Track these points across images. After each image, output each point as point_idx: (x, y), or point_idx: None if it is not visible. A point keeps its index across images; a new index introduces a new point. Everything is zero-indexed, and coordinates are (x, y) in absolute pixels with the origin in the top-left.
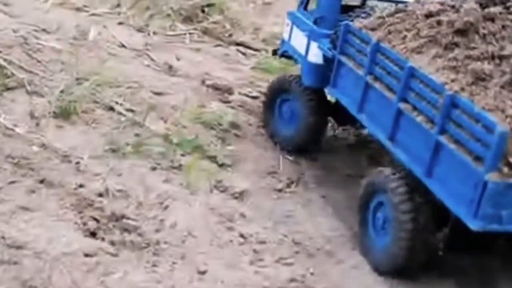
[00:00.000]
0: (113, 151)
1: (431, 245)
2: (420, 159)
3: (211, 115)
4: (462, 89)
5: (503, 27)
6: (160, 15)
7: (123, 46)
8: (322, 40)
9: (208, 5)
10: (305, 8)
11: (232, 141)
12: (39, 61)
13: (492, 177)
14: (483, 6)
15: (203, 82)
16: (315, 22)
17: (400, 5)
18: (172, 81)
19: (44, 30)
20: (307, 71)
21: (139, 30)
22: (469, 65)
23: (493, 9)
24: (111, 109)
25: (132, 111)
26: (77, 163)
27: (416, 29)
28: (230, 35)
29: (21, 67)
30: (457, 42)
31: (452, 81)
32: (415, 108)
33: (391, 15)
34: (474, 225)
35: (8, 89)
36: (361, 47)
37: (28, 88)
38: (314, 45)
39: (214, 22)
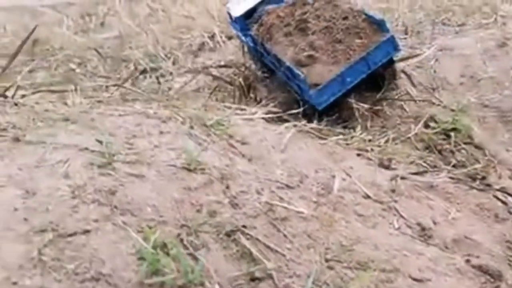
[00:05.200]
0: None
1: None
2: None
3: None
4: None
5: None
6: (398, 140)
7: (368, 197)
8: None
9: (453, 130)
10: None
11: None
12: (285, 235)
13: (312, 92)
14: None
15: (467, 260)
16: None
17: None
18: (429, 255)
19: (287, 185)
20: None
21: (381, 164)
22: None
23: None
24: None
25: None
26: None
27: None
28: (484, 177)
29: (267, 247)
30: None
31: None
32: None
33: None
34: (318, 107)
35: (254, 279)
36: None
37: (276, 280)
38: None
39: (461, 153)
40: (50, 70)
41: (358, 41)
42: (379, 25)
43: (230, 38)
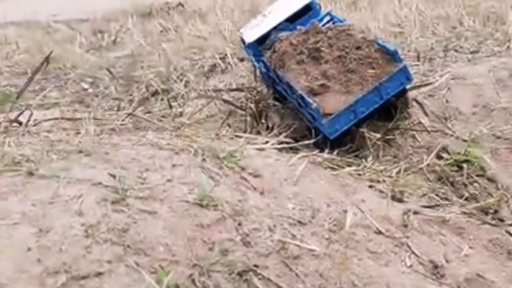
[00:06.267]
0: None
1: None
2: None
3: None
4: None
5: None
6: (410, 171)
7: (380, 232)
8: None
9: (466, 161)
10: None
11: None
12: (297, 275)
13: (324, 122)
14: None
15: None
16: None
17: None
18: None
19: (299, 221)
20: None
21: (393, 197)
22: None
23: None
24: None
25: None
26: None
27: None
28: (496, 211)
29: (279, 287)
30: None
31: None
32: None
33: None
34: (330, 137)
35: None
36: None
37: None
38: None
39: (473, 186)
40: (62, 90)
41: (371, 71)
42: (392, 55)
43: (241, 60)
